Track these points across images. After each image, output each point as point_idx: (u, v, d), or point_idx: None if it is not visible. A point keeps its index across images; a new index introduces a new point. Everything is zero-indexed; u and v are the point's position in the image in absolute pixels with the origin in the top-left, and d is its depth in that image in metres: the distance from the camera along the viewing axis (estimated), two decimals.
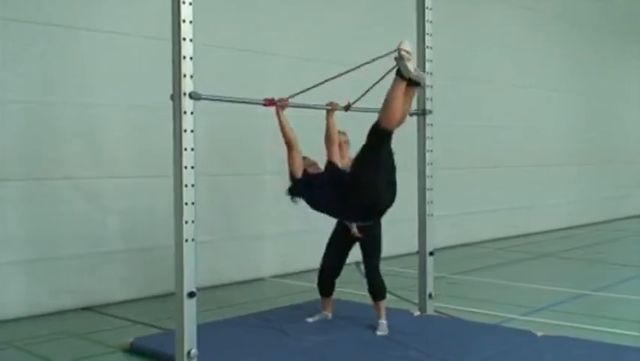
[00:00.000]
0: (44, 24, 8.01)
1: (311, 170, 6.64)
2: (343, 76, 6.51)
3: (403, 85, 5.95)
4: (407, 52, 5.92)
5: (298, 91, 6.55)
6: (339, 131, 6.86)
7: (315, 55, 10.66)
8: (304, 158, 6.66)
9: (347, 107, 6.89)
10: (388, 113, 5.94)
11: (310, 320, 7.27)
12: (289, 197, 6.70)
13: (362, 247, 7.00)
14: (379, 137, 5.98)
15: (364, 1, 11.72)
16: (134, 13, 8.72)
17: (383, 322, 6.82)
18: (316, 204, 6.53)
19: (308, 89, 6.47)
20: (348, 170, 6.38)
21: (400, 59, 5.94)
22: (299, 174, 6.57)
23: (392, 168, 6.14)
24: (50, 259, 8.12)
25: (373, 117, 6.01)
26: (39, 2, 8.02)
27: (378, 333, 6.70)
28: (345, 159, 6.86)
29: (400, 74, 5.95)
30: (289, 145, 6.54)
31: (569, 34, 17.37)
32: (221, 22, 9.33)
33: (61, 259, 8.20)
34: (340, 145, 6.84)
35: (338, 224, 7.15)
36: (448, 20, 12.53)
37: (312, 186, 6.51)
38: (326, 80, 6.46)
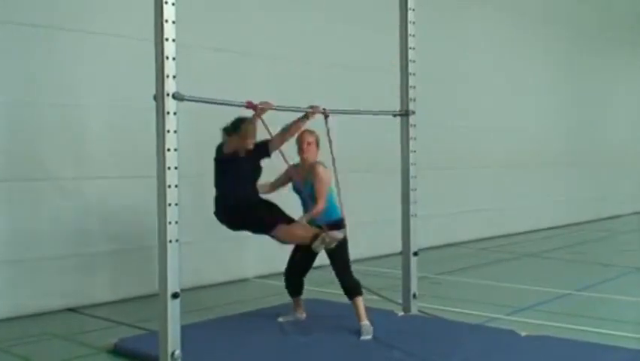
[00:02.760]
0: (26, 24, 7.97)
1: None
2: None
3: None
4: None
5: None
6: (308, 130, 6.90)
7: (299, 56, 10.68)
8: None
9: (325, 114, 6.89)
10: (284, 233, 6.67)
11: (281, 319, 7.27)
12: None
13: (326, 250, 6.90)
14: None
15: (348, 1, 11.72)
16: (117, 14, 8.69)
17: (365, 323, 6.69)
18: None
19: None
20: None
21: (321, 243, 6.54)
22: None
23: None
24: (33, 260, 8.08)
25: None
26: (21, 3, 7.99)
27: (362, 338, 6.57)
28: (309, 158, 6.89)
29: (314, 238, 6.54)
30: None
31: (554, 37, 17.48)
32: (205, 23, 9.31)
33: (45, 260, 8.17)
34: (303, 145, 6.89)
35: None
36: (434, 22, 12.57)
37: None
38: None
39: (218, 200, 6.80)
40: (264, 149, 6.75)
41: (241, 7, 10.09)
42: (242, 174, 6.70)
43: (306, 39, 10.92)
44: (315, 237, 6.52)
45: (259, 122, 6.40)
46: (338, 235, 6.56)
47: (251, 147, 6.68)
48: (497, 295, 9.13)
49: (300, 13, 11.00)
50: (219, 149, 6.73)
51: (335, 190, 6.90)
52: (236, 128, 6.67)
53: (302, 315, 7.33)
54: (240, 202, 6.67)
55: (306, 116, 6.83)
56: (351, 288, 6.78)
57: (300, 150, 6.90)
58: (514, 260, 12.44)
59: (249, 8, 10.17)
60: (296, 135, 6.90)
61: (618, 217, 19.60)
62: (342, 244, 6.83)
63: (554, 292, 9.15)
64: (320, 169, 6.81)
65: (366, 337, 6.60)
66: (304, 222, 6.73)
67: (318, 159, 6.94)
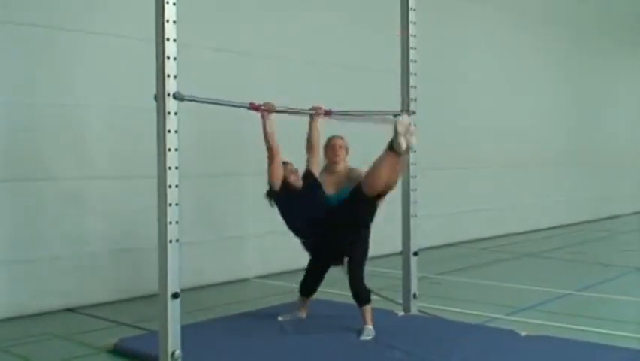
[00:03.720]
0: (26, 24, 7.97)
1: (292, 179, 6.63)
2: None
3: (392, 157, 6.16)
4: (404, 128, 6.10)
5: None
6: (337, 136, 6.90)
7: (299, 56, 10.68)
8: (285, 163, 6.65)
9: (327, 113, 6.90)
10: (371, 180, 6.23)
11: (281, 318, 7.26)
12: (267, 200, 6.77)
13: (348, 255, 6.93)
14: (360, 199, 6.31)
15: (349, 1, 11.72)
16: (117, 14, 8.68)
17: (369, 327, 6.71)
18: (289, 222, 6.69)
19: None
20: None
21: (396, 134, 6.08)
22: (278, 185, 6.58)
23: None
24: (33, 261, 8.08)
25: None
26: (21, 3, 7.98)
27: (362, 338, 6.58)
28: (340, 164, 6.90)
29: (392, 148, 6.12)
30: (271, 154, 6.51)
31: (554, 37, 17.48)
32: (205, 23, 9.30)
33: (44, 260, 8.16)
34: (335, 148, 6.88)
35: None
36: (434, 22, 12.56)
37: (289, 204, 6.61)
38: None
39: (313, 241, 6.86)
40: (312, 177, 6.81)
41: (241, 7, 10.09)
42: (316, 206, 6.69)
43: (306, 39, 10.92)
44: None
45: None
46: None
47: (299, 183, 6.69)
48: (497, 295, 9.13)
49: (301, 13, 10.99)
50: (270, 191, 6.75)
51: None
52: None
53: (303, 315, 7.32)
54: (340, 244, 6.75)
55: (311, 117, 6.87)
56: (362, 296, 6.78)
57: (333, 156, 6.92)
58: (514, 260, 12.44)
59: (249, 8, 10.17)
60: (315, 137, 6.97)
61: (618, 217, 19.59)
62: (364, 249, 6.88)
63: (554, 292, 9.15)
64: (358, 170, 6.79)
65: (366, 337, 6.59)
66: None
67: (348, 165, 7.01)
